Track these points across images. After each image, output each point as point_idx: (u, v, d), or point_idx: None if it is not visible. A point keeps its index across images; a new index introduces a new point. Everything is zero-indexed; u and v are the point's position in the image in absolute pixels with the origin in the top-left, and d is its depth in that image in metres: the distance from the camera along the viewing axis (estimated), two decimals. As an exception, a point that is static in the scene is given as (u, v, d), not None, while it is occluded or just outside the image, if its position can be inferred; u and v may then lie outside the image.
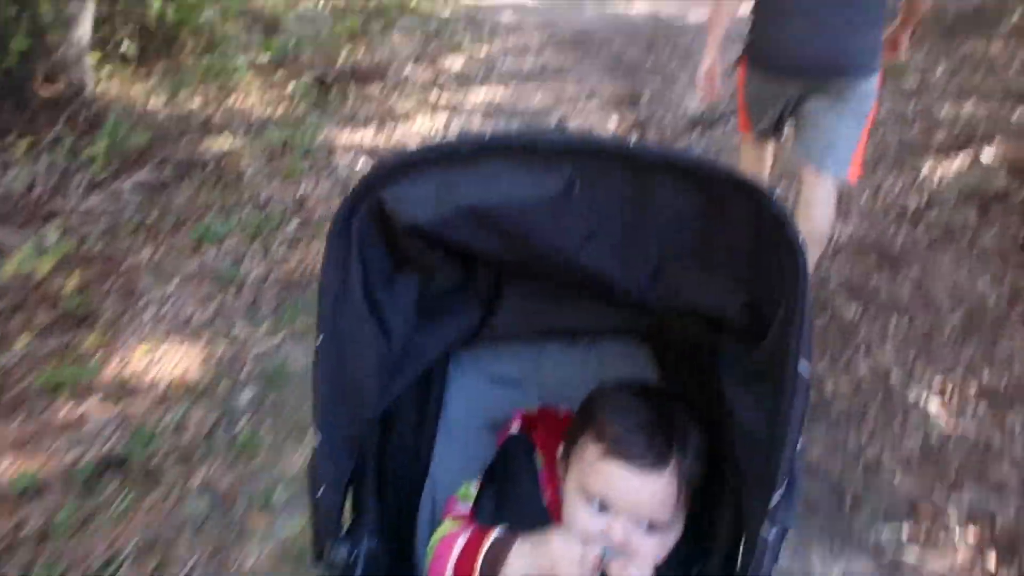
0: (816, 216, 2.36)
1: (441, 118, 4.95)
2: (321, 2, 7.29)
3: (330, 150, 4.30)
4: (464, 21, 7.92)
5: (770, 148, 2.69)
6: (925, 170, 3.76)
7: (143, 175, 3.80)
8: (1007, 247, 3.05)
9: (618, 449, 0.91)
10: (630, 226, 0.87)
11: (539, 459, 1.05)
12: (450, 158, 0.84)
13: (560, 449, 1.02)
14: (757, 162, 2.67)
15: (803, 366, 0.73)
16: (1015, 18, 6.87)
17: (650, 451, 0.90)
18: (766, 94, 2.44)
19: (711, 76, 2.55)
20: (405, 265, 0.95)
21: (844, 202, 3.44)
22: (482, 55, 6.70)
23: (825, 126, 2.32)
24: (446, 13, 8.23)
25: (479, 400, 1.19)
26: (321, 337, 0.85)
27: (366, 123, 4.76)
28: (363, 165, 4.12)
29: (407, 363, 1.01)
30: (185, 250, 3.30)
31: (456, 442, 1.16)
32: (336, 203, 0.96)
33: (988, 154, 3.78)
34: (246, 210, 3.62)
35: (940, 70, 5.79)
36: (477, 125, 4.96)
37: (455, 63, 6.31)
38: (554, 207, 0.85)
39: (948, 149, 3.98)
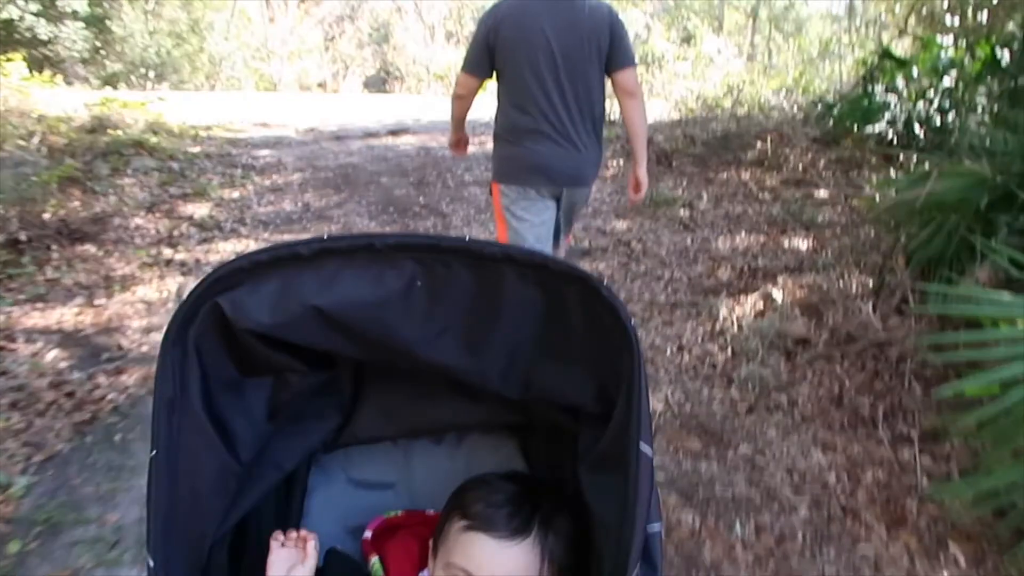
0: None
1: (173, 282, 4.05)
2: (36, 140, 6.14)
3: (9, 337, 3.25)
4: (215, 160, 7.11)
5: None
6: (723, 312, 3.52)
7: None
8: (825, 404, 2.78)
9: (479, 521, 0.91)
10: (476, 320, 0.88)
11: (378, 566, 1.01)
12: (289, 261, 0.82)
13: (431, 544, 1.00)
14: None
15: (644, 447, 0.75)
16: (757, 147, 7.39)
17: (511, 522, 0.91)
18: (532, 203, 2.80)
19: (460, 144, 3.12)
20: (253, 369, 0.90)
21: (652, 366, 3.03)
22: (234, 198, 5.91)
23: (565, 221, 2.97)
24: (195, 149, 7.37)
25: (344, 507, 1.12)
26: (154, 452, 0.79)
27: (68, 297, 3.75)
28: (55, 357, 3.12)
29: (263, 471, 0.96)
30: None
31: (320, 551, 1.01)
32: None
33: (777, 294, 3.63)
34: None
35: (705, 200, 5.91)
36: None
37: (198, 210, 5.45)
38: (397, 304, 0.85)
39: (738, 291, 3.81)
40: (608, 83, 2.80)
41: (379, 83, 22.51)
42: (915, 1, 9.08)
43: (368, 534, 1.05)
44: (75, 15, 19.62)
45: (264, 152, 7.64)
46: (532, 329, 0.88)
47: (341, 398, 1.07)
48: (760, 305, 3.58)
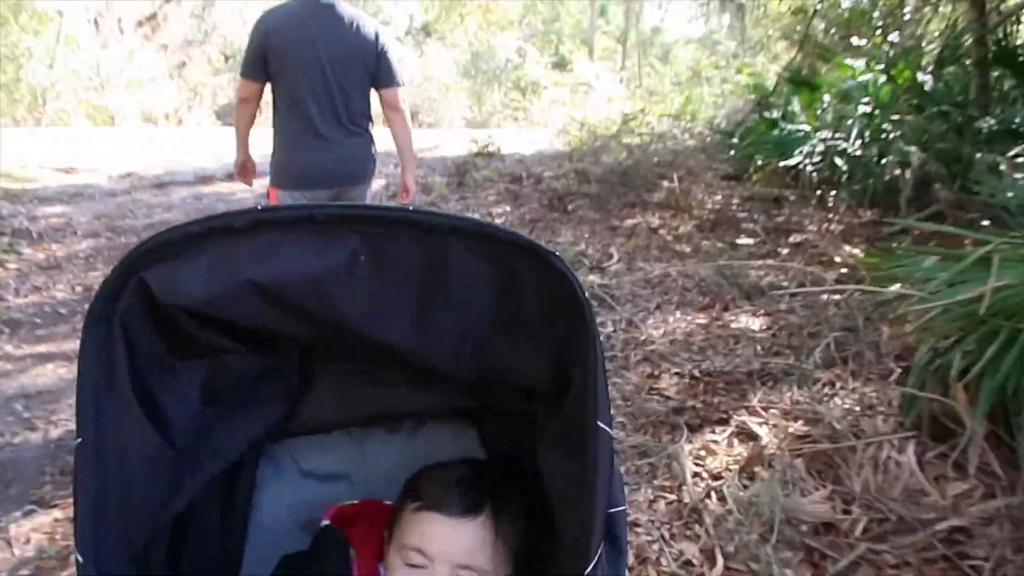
0: None
1: None
2: None
3: None
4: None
5: None
6: (687, 468, 2.34)
7: None
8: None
9: (432, 501, 0.91)
10: (426, 295, 0.83)
11: (352, 552, 0.96)
12: (222, 232, 0.76)
13: (386, 533, 0.97)
14: None
15: (603, 425, 0.74)
16: (664, 186, 6.40)
17: (463, 501, 0.90)
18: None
19: (246, 170, 3.16)
20: (186, 349, 0.85)
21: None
22: (-16, 283, 4.26)
23: None
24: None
25: (295, 498, 1.06)
26: (80, 439, 0.73)
27: None
28: None
29: (201, 461, 0.90)
30: None
31: (270, 547, 1.00)
32: None
33: (759, 428, 2.50)
34: None
35: (615, 258, 4.80)
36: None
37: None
38: (340, 278, 0.79)
39: (699, 420, 2.65)
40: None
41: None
42: (806, 20, 8.50)
43: (326, 523, 0.99)
44: None
45: (52, 210, 5.93)
46: (482, 304, 0.83)
47: (287, 384, 1.00)
48: (740, 451, 2.43)
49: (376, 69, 2.91)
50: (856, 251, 4.63)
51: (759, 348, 3.28)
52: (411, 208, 0.81)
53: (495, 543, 0.90)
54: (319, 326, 0.84)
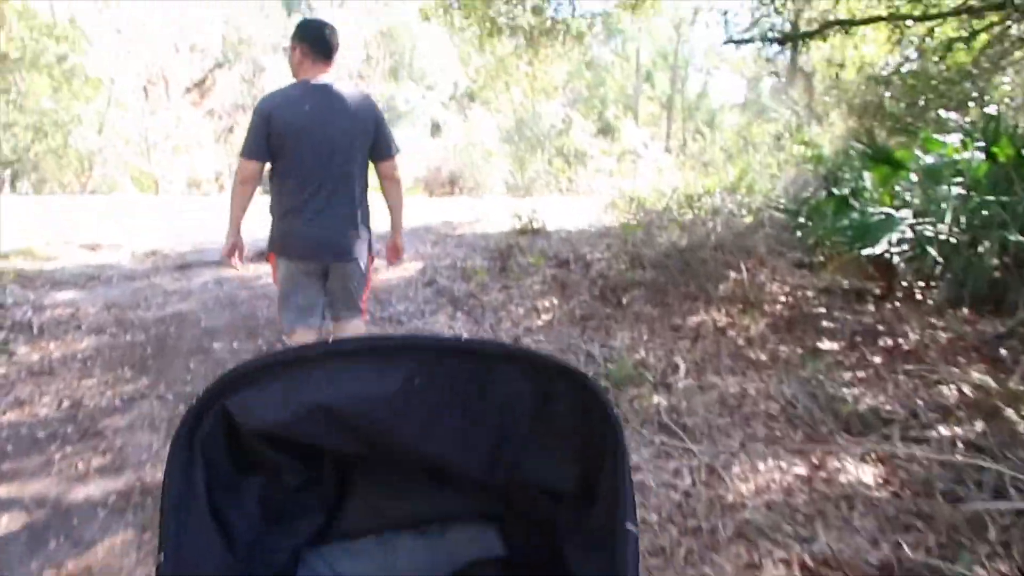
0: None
1: None
2: None
3: None
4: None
5: (313, 336, 3.13)
6: None
7: None
8: None
9: None
10: (469, 413, 0.91)
11: None
12: (295, 363, 0.86)
13: None
14: None
15: (630, 526, 0.79)
16: (731, 278, 5.75)
17: None
18: (299, 275, 3.06)
19: (235, 251, 3.11)
20: (249, 468, 0.93)
21: None
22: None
23: (344, 295, 3.16)
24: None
25: None
26: (163, 555, 0.79)
27: None
28: None
29: (254, 571, 0.95)
30: None
31: None
32: None
33: None
34: None
35: (683, 370, 4.13)
36: None
37: None
38: (396, 400, 0.88)
39: None
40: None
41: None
42: (876, 88, 7.88)
43: None
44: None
45: (63, 296, 5.49)
46: (523, 419, 0.91)
47: (327, 494, 1.08)
48: None
49: (373, 143, 3.07)
50: (973, 370, 3.88)
51: (883, 518, 2.56)
52: (463, 339, 0.92)
53: None
54: (370, 443, 0.93)
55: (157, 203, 13.06)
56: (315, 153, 2.94)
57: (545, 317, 5.13)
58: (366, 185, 3.13)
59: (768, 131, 15.57)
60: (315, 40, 3.05)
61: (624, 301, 5.42)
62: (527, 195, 22.57)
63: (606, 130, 19.06)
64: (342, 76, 23.55)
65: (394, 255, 3.42)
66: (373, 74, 23.72)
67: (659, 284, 5.78)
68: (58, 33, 19.52)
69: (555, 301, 5.45)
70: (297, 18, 28.87)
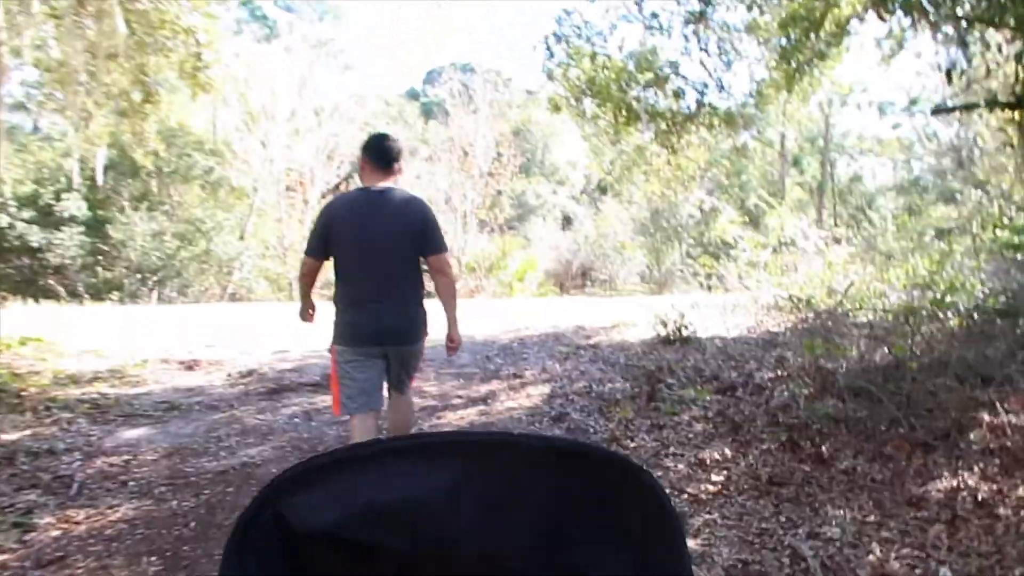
0: (404, 411, 3.56)
1: None
2: None
3: None
4: (20, 461, 4.14)
5: (372, 419, 3.39)
6: None
7: None
8: None
9: None
10: (519, 508, 0.88)
11: None
12: (347, 462, 0.86)
13: None
14: (368, 432, 3.33)
15: None
16: (984, 422, 4.12)
17: None
18: (360, 360, 3.32)
19: (308, 314, 3.62)
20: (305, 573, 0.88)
21: None
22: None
23: (400, 374, 3.46)
24: (10, 436, 4.48)
25: None
26: None
27: None
28: None
29: None
30: None
31: None
32: None
33: None
34: None
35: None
36: None
37: None
38: (447, 497, 0.87)
39: None
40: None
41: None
42: None
43: None
44: (73, 220, 18.07)
45: (127, 435, 4.66)
46: (575, 514, 0.89)
47: None
48: None
49: (423, 240, 3.32)
50: None
51: None
52: (512, 433, 0.91)
53: None
54: (421, 539, 0.90)
55: (281, 309, 12.71)
56: (368, 250, 3.27)
57: (716, 478, 3.71)
58: (417, 277, 3.41)
59: (949, 215, 13.55)
60: (374, 151, 3.39)
61: (825, 452, 3.92)
62: (663, 291, 21.11)
63: (753, 219, 17.50)
64: (472, 176, 23.57)
65: (452, 347, 3.55)
66: (504, 172, 23.44)
67: (867, 423, 4.24)
68: (208, 147, 20.51)
69: (727, 452, 4.02)
70: (433, 124, 29.58)
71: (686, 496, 3.52)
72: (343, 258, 3.29)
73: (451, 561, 0.92)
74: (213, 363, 7.03)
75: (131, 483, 3.89)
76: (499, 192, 24.26)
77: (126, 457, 4.25)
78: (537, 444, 0.89)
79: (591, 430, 4.50)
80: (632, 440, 4.23)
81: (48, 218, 17.84)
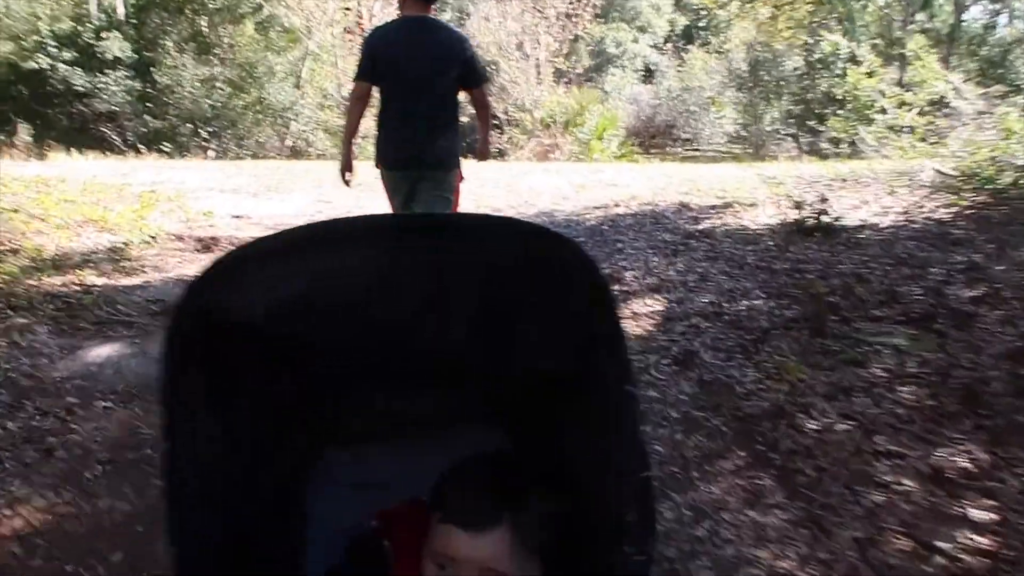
0: None
1: None
2: None
3: None
4: None
5: None
6: None
7: None
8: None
9: (451, 513, 0.95)
10: (451, 291, 0.90)
11: (390, 551, 1.03)
12: (280, 251, 0.83)
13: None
14: None
15: (629, 388, 0.80)
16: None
17: (480, 514, 0.93)
18: (393, 183, 3.62)
19: (348, 170, 3.80)
20: (240, 379, 0.91)
21: None
22: None
23: (431, 202, 3.55)
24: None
25: (345, 510, 1.13)
26: (168, 445, 0.78)
27: None
28: None
29: (259, 480, 0.96)
30: None
31: (325, 556, 1.08)
32: None
33: None
34: None
35: None
36: None
37: None
38: (376, 282, 0.87)
39: None
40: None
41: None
42: None
43: (374, 523, 1.06)
44: (117, 63, 16.72)
45: (90, 355, 3.47)
46: (508, 292, 0.90)
47: (324, 403, 1.06)
48: None
49: (462, 73, 3.53)
50: None
51: None
52: (444, 215, 0.91)
53: (517, 547, 0.93)
54: (363, 334, 0.90)
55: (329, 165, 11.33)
56: (409, 78, 3.46)
57: (980, 515, 2.21)
58: (455, 108, 3.62)
59: None
60: None
61: None
62: (760, 154, 18.85)
63: (867, 71, 14.78)
64: (547, 17, 20.97)
65: (483, 155, 3.93)
66: (583, 15, 20.79)
67: None
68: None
69: (979, 453, 2.49)
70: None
71: (938, 553, 2.05)
72: (387, 85, 3.55)
73: (392, 361, 0.95)
74: (262, 216, 5.81)
75: (59, 452, 2.65)
76: (576, 38, 21.76)
77: (71, 400, 3.02)
78: (467, 223, 0.92)
79: (737, 387, 3.03)
80: (810, 421, 2.73)
81: (91, 60, 16.54)
